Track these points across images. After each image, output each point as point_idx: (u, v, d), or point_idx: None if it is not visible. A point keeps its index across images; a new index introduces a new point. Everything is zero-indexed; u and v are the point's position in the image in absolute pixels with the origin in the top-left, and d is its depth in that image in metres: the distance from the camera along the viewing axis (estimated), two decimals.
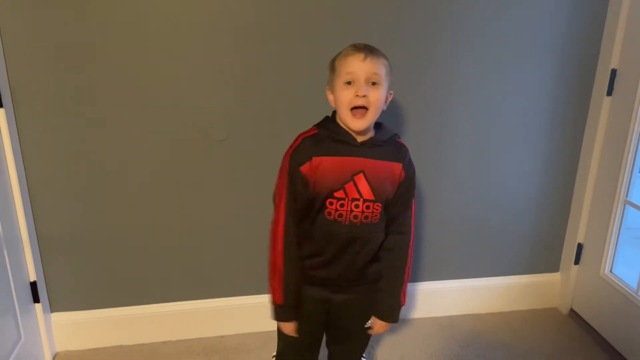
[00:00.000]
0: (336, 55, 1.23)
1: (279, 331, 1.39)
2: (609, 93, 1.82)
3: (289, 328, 1.32)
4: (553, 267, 2.12)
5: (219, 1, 1.59)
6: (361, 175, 1.21)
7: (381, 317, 1.35)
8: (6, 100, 1.55)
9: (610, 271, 1.91)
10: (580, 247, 2.02)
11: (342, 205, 1.22)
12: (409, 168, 1.28)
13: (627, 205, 1.83)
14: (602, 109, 1.83)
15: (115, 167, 1.70)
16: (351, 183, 1.21)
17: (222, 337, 1.94)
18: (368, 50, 1.18)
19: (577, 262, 2.04)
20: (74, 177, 1.69)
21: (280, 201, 1.25)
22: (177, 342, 1.91)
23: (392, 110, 1.78)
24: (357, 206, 1.22)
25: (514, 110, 1.86)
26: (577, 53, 1.82)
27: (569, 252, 2.07)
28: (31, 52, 1.55)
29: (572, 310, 2.11)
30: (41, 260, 1.75)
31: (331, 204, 1.22)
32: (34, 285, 1.71)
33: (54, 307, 1.82)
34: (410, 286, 2.02)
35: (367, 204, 1.23)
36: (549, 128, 1.90)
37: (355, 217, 1.23)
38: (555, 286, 2.13)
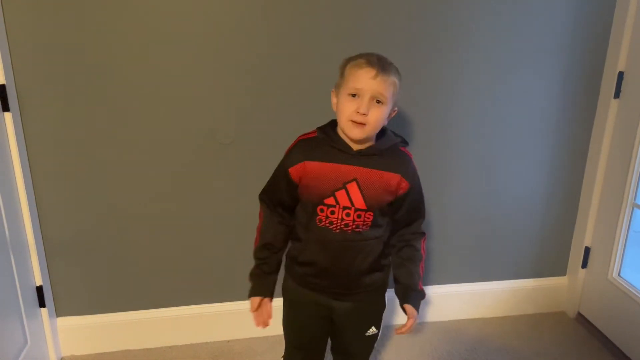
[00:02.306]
0: (349, 59, 1.19)
1: (285, 335, 1.40)
2: (617, 95, 1.81)
3: (257, 304, 1.38)
4: (560, 270, 2.11)
5: (227, 1, 1.59)
6: (354, 183, 1.20)
7: (407, 301, 1.29)
8: (13, 104, 1.54)
9: (618, 275, 1.90)
10: (587, 250, 2.01)
11: (332, 213, 1.21)
12: (412, 178, 1.25)
13: (635, 208, 1.82)
14: (610, 111, 1.83)
15: (121, 171, 1.70)
16: (343, 191, 1.20)
17: (228, 341, 1.93)
18: (380, 67, 1.13)
19: (584, 265, 2.03)
20: (81, 181, 1.69)
21: (265, 192, 1.32)
22: (183, 346, 1.90)
23: (398, 112, 1.77)
24: (348, 214, 1.21)
25: (520, 113, 1.85)
26: (584, 56, 1.82)
27: (576, 255, 2.06)
28: (38, 56, 1.55)
29: (579, 314, 2.10)
30: (47, 265, 1.74)
31: (322, 211, 1.22)
32: (39, 289, 1.71)
33: (59, 311, 1.81)
34: None
35: (358, 212, 1.21)
36: (556, 131, 1.90)
37: (346, 225, 1.22)
38: (563, 290, 2.12)
